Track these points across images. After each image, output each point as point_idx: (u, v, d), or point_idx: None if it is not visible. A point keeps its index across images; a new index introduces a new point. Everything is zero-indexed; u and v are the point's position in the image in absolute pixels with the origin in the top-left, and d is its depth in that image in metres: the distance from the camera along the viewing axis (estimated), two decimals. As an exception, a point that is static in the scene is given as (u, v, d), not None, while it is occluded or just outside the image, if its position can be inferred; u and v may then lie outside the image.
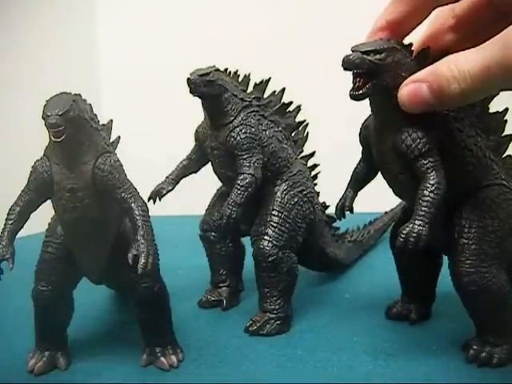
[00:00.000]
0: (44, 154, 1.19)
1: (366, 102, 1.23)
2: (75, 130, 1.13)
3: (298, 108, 1.59)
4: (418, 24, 1.22)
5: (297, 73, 2.35)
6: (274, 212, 1.48)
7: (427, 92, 1.09)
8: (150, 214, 1.20)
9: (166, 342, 1.29)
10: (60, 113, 1.10)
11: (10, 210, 1.20)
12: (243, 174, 1.45)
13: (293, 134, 1.60)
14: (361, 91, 1.17)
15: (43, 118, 1.11)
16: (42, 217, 1.27)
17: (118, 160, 1.21)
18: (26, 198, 1.20)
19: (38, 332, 1.30)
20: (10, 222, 1.19)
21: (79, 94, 1.19)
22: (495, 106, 1.29)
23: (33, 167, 1.19)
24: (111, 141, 1.37)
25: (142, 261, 1.14)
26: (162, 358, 1.28)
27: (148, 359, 1.29)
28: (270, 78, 1.56)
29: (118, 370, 1.27)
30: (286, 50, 2.53)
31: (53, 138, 1.11)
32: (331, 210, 1.55)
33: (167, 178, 1.59)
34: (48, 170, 1.17)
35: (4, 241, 1.18)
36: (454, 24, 1.24)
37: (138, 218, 1.17)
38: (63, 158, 1.16)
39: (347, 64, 1.16)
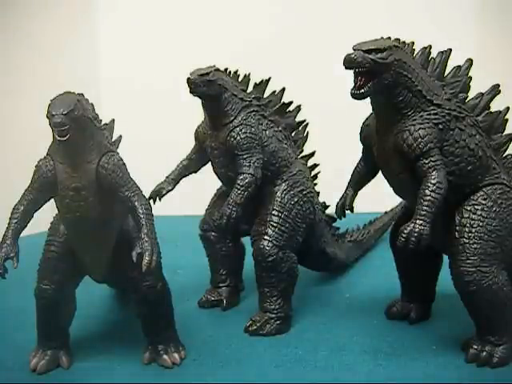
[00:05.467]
0: (48, 153, 1.19)
1: (367, 101, 1.23)
2: (79, 129, 1.13)
3: (298, 108, 1.59)
4: None
5: (297, 73, 2.35)
6: (273, 212, 1.48)
7: None
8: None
9: (168, 340, 1.29)
10: (65, 112, 1.10)
11: (13, 209, 1.20)
12: (243, 173, 1.45)
13: (293, 134, 1.60)
14: (362, 90, 1.17)
15: (48, 117, 1.11)
16: (42, 216, 1.27)
17: (121, 159, 1.21)
18: (29, 197, 1.20)
19: (41, 331, 1.30)
20: (14, 221, 1.19)
21: (82, 94, 1.19)
22: (496, 105, 1.30)
23: (36, 166, 1.19)
24: (113, 140, 1.38)
25: (147, 259, 1.14)
26: (165, 356, 1.28)
27: (150, 357, 1.29)
28: (269, 78, 1.56)
29: (118, 369, 1.27)
30: (286, 50, 2.53)
31: (57, 137, 1.12)
32: (331, 210, 1.56)
33: (167, 177, 1.58)
34: (52, 169, 1.17)
35: (8, 240, 1.18)
36: None
37: (142, 216, 1.17)
38: (67, 157, 1.16)
39: (349, 63, 1.16)
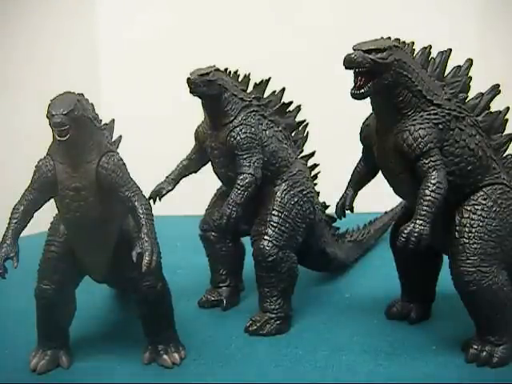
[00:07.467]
0: (47, 153, 1.19)
1: (367, 101, 1.23)
2: (79, 129, 1.13)
3: (298, 108, 1.59)
4: None
5: (297, 73, 2.35)
6: (273, 212, 1.48)
7: None
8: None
9: (168, 340, 1.29)
10: (65, 112, 1.10)
11: (13, 209, 1.20)
12: (243, 173, 1.45)
13: (293, 134, 1.60)
14: (362, 90, 1.17)
15: (48, 117, 1.12)
16: (42, 216, 1.27)
17: (121, 159, 1.21)
18: (29, 197, 1.20)
19: (41, 331, 1.30)
20: (14, 221, 1.19)
21: (82, 94, 1.19)
22: (496, 105, 1.30)
23: (36, 166, 1.19)
24: (113, 140, 1.38)
25: (147, 259, 1.14)
26: (165, 356, 1.28)
27: (150, 357, 1.29)
28: (269, 78, 1.56)
29: (118, 369, 1.27)
30: (286, 50, 2.53)
31: (57, 137, 1.12)
32: (331, 210, 1.56)
33: (167, 177, 1.58)
34: (52, 169, 1.17)
35: (8, 240, 1.18)
36: None
37: (142, 216, 1.17)
38: (67, 157, 1.16)
39: (349, 63, 1.16)
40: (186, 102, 1.57)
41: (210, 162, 1.57)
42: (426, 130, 1.19)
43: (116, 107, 1.96)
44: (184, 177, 1.60)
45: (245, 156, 1.46)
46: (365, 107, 1.28)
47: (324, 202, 1.66)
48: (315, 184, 1.63)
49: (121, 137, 1.43)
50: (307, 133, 1.62)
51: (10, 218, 1.19)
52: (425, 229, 1.17)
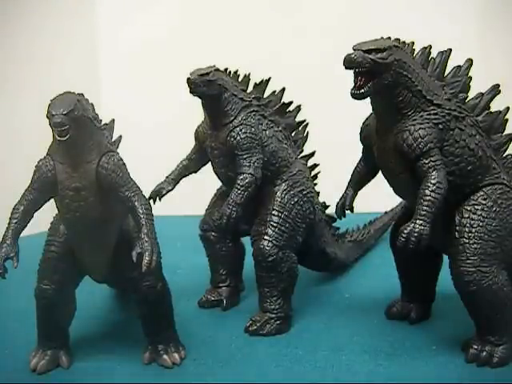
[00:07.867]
0: (47, 153, 1.19)
1: (367, 101, 1.23)
2: (79, 129, 1.13)
3: (298, 108, 1.59)
4: None
5: (297, 73, 2.35)
6: (273, 212, 1.48)
7: None
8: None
9: (168, 340, 1.29)
10: (65, 112, 1.10)
11: (13, 209, 1.20)
12: (243, 173, 1.45)
13: (293, 134, 1.60)
14: (362, 90, 1.18)
15: (48, 117, 1.12)
16: (42, 216, 1.27)
17: (121, 159, 1.21)
18: (29, 197, 1.20)
19: (41, 331, 1.30)
20: (14, 221, 1.19)
21: (82, 94, 1.19)
22: (496, 105, 1.30)
23: (36, 166, 1.19)
24: (113, 140, 1.38)
25: (147, 259, 1.14)
26: (165, 356, 1.28)
27: (150, 357, 1.29)
28: (269, 78, 1.56)
29: (118, 369, 1.27)
30: (287, 50, 2.53)
31: (57, 137, 1.12)
32: (331, 210, 1.56)
33: (167, 177, 1.58)
34: (52, 169, 1.17)
35: (8, 240, 1.18)
36: None
37: (142, 216, 1.17)
38: (67, 157, 1.16)
39: (349, 63, 1.16)
40: (186, 102, 1.57)
41: (210, 162, 1.57)
42: (426, 130, 1.19)
43: (116, 107, 1.96)
44: (184, 177, 1.60)
45: (245, 156, 1.46)
46: (365, 107, 1.28)
47: (324, 202, 1.66)
48: (315, 184, 1.63)
49: (121, 137, 1.44)
50: (307, 133, 1.62)
51: (10, 218, 1.20)
52: (425, 229, 1.17)
